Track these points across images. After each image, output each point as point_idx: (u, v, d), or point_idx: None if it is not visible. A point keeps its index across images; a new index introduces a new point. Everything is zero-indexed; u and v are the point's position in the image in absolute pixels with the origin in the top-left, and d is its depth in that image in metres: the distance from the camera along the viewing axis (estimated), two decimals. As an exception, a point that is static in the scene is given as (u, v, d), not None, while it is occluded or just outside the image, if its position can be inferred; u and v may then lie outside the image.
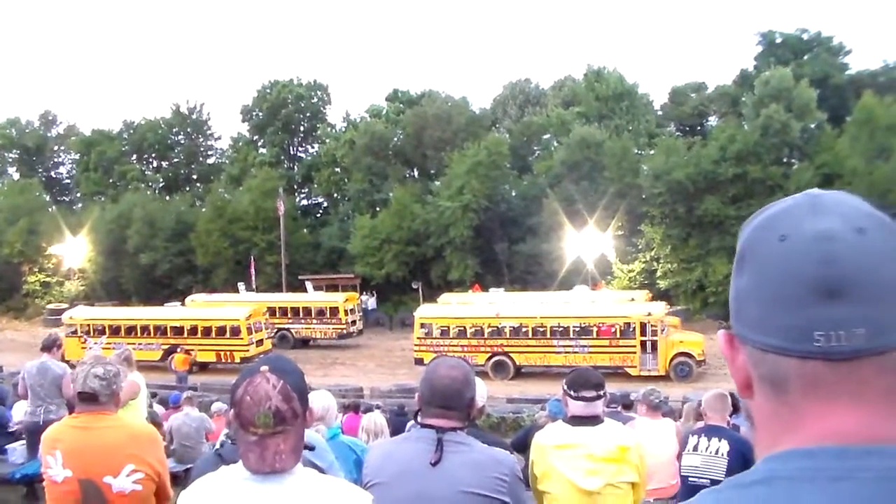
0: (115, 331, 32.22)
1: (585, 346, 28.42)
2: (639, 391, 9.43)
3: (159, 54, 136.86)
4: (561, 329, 28.94)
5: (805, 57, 47.20)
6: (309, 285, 40.44)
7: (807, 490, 0.79)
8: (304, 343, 36.48)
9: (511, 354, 29.39)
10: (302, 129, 57.22)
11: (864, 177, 35.48)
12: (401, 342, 37.53)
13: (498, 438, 5.36)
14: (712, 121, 50.79)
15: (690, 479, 5.81)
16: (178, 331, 32.01)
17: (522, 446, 7.70)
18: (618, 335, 28.35)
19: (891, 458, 0.79)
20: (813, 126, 39.47)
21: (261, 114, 56.39)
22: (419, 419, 2.92)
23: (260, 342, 31.88)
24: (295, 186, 55.66)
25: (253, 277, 42.96)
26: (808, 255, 0.82)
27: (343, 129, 54.77)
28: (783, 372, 0.85)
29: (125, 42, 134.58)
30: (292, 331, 36.57)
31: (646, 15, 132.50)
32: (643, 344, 27.88)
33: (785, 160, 39.67)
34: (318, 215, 54.88)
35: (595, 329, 28.67)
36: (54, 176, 64.36)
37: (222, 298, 37.49)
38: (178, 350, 30.16)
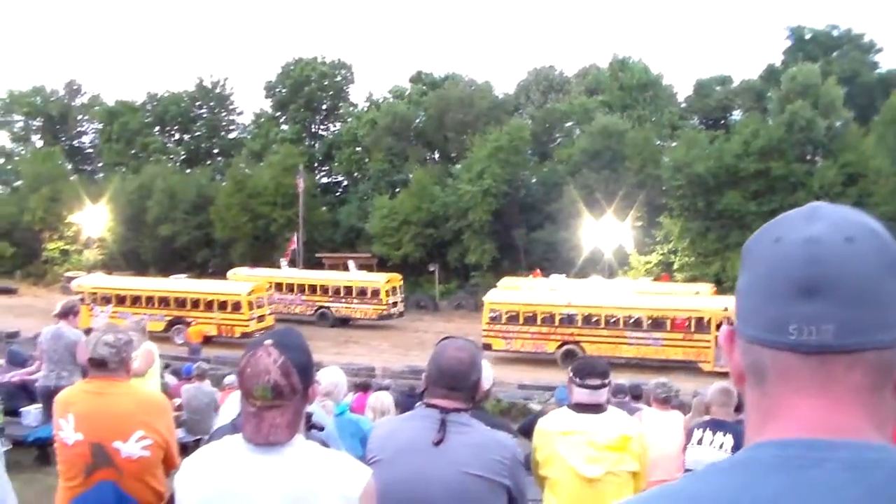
0: (120, 300, 32.53)
1: (659, 339, 27.70)
2: (648, 383, 9.45)
3: (184, 27, 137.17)
4: (633, 320, 28.15)
5: (834, 54, 46.71)
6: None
7: (777, 476, 0.85)
8: (344, 322, 36.05)
9: (582, 343, 28.37)
10: (324, 107, 57.36)
11: (889, 178, 35.03)
12: (415, 323, 37.57)
13: (502, 421, 5.40)
14: (736, 115, 50.42)
15: (694, 471, 5.82)
16: (181, 303, 32.16)
17: (529, 431, 7.74)
18: (692, 329, 27.42)
19: (856, 449, 0.85)
20: (839, 124, 38.92)
21: (284, 90, 56.59)
22: (424, 398, 2.95)
23: (261, 318, 31.85)
24: (315, 164, 55.83)
25: (300, 253, 42.83)
26: (795, 256, 0.89)
27: (365, 109, 54.80)
28: (763, 362, 0.92)
29: (151, 14, 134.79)
30: (332, 309, 36.34)
31: (673, 6, 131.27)
32: (718, 340, 27.25)
33: (809, 157, 39.23)
34: (338, 193, 55.03)
35: (669, 322, 27.84)
36: (77, 145, 64.88)
37: (264, 273, 37.19)
38: (193, 322, 30.43)
